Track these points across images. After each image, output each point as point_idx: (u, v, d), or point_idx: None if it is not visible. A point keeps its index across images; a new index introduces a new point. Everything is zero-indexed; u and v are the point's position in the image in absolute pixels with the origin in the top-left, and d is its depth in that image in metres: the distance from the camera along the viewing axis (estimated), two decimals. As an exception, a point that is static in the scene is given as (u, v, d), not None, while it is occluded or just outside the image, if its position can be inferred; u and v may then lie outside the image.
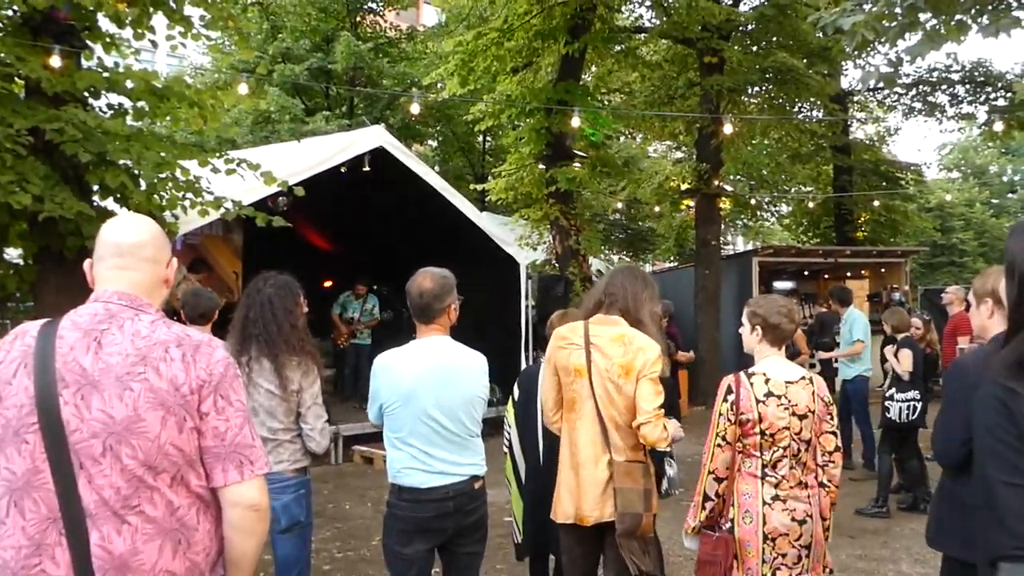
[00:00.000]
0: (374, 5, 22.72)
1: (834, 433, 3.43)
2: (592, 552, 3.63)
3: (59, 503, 1.85)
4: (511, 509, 4.80)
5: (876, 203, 18.80)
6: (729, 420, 3.28)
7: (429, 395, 3.29)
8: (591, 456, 3.52)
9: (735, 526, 3.29)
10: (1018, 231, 2.05)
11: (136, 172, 6.58)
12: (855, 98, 20.47)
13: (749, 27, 14.36)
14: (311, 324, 3.95)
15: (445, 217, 10.81)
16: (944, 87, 18.42)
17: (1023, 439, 2.18)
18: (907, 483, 7.43)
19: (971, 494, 2.81)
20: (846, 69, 18.30)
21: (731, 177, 19.75)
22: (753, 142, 19.18)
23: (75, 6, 6.31)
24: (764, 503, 3.26)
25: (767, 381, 3.30)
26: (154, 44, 7.06)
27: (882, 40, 7.02)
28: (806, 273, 16.97)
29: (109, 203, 6.78)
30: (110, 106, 7.11)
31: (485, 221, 11.60)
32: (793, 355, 7.02)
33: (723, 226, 18.56)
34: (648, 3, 15.62)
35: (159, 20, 6.96)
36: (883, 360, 7.65)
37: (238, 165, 7.10)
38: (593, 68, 15.77)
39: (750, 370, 3.39)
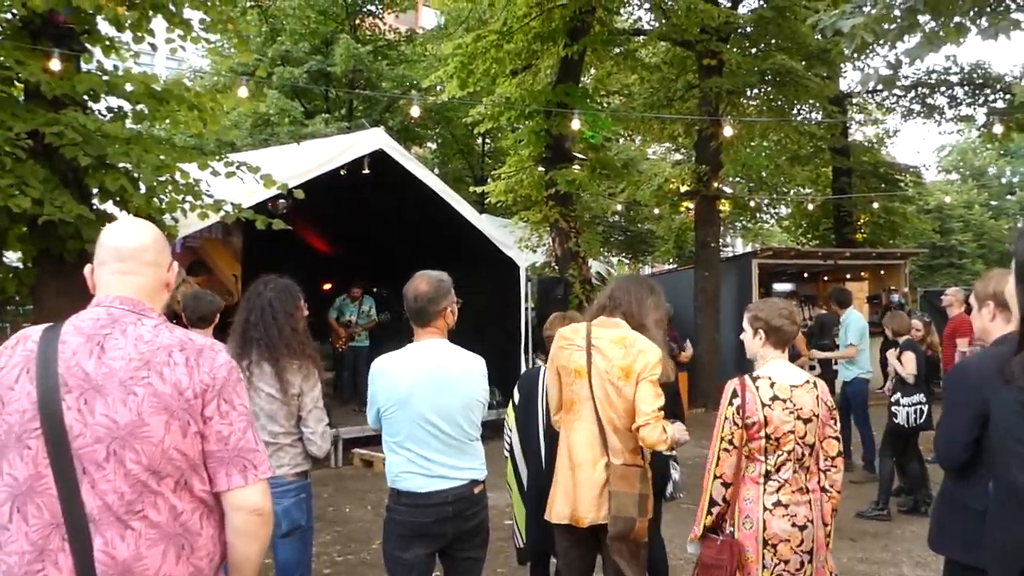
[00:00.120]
0: (373, 8, 22.73)
1: (837, 438, 3.43)
2: (588, 554, 3.62)
3: (62, 508, 1.84)
4: (512, 513, 4.79)
5: (875, 205, 18.81)
6: (735, 424, 3.25)
7: (426, 399, 3.28)
8: (588, 457, 3.52)
9: (735, 531, 3.28)
10: None
11: (136, 175, 6.59)
12: (854, 100, 20.49)
13: (748, 29, 14.37)
14: (311, 327, 3.94)
15: (445, 219, 10.81)
16: (943, 89, 18.43)
17: None
18: (908, 486, 7.42)
19: (973, 497, 2.81)
20: (845, 71, 18.35)
21: (730, 179, 19.78)
22: (752, 144, 19.18)
23: (74, 9, 6.31)
24: (765, 509, 3.24)
25: (772, 385, 3.29)
26: (153, 47, 7.08)
27: (881, 42, 7.03)
28: (805, 275, 16.97)
29: (109, 206, 6.79)
30: (110, 109, 7.12)
31: (484, 223, 11.60)
32: (793, 357, 7.01)
33: (722, 228, 18.57)
34: (647, 5, 15.63)
35: (158, 23, 6.98)
36: (883, 363, 7.65)
37: (238, 168, 7.11)
38: (592, 70, 15.78)
39: (755, 373, 3.37)
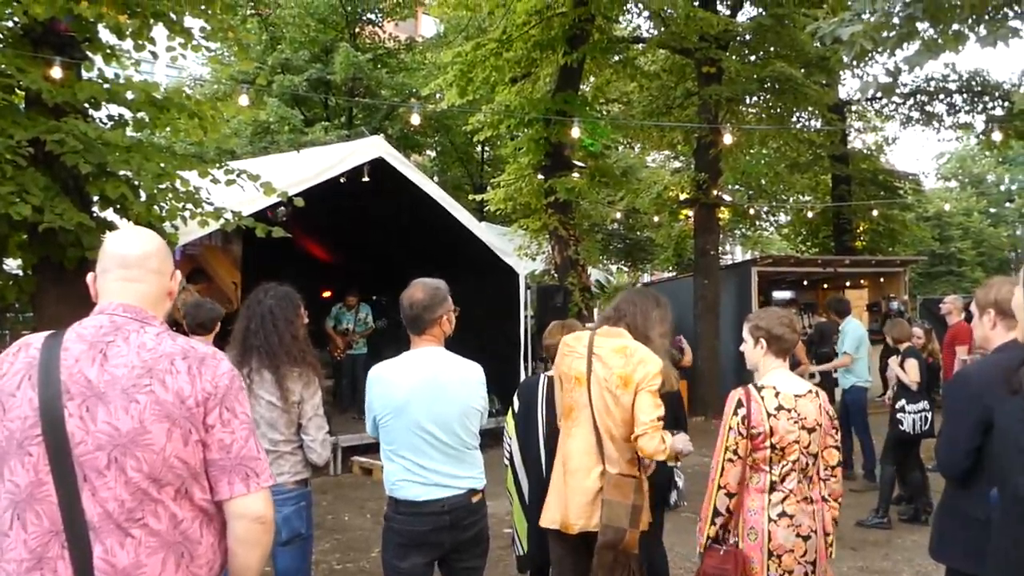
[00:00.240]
0: (373, 16, 22.80)
1: (837, 447, 3.42)
2: (580, 562, 3.59)
3: (62, 516, 1.84)
4: (511, 521, 4.78)
5: (875, 212, 18.83)
6: (740, 434, 3.23)
7: (421, 407, 3.27)
8: (583, 465, 3.52)
9: (740, 542, 3.26)
10: None
11: (136, 183, 6.59)
12: (853, 108, 20.54)
13: (747, 37, 14.42)
14: (310, 335, 3.94)
15: (444, 227, 10.82)
16: (942, 97, 18.47)
17: None
18: (908, 494, 7.40)
19: (974, 506, 2.81)
20: (844, 79, 18.41)
21: (729, 187, 19.77)
22: (751, 152, 19.22)
23: (76, 18, 6.33)
24: (770, 520, 3.22)
25: (777, 394, 3.27)
26: (154, 55, 7.08)
27: (880, 50, 7.03)
28: (805, 283, 16.98)
29: (109, 214, 6.79)
30: (110, 117, 7.13)
31: (484, 231, 11.60)
32: (793, 366, 7.00)
33: (722, 236, 18.57)
34: (646, 13, 15.66)
35: (159, 31, 6.98)
36: (882, 370, 7.64)
37: (238, 176, 7.12)
38: (591, 78, 15.82)
39: (759, 383, 3.35)
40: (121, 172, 6.43)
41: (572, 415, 3.61)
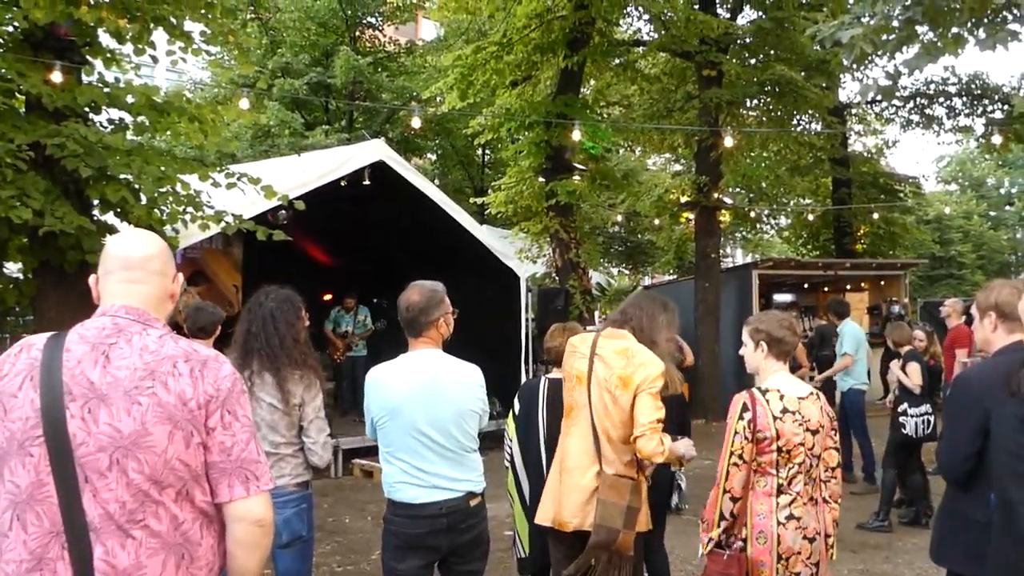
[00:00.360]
0: (373, 20, 22.81)
1: (837, 449, 3.42)
2: (574, 559, 3.60)
3: (63, 517, 1.84)
4: (512, 523, 4.78)
5: (875, 215, 18.82)
6: (746, 438, 3.22)
7: (418, 410, 3.26)
8: (580, 464, 3.54)
9: (748, 546, 3.24)
10: None
11: (136, 186, 6.59)
12: (853, 111, 20.53)
13: (747, 40, 14.42)
14: (311, 337, 3.95)
15: (445, 230, 10.82)
16: (942, 100, 18.48)
17: None
18: (909, 497, 7.39)
19: (975, 509, 2.82)
20: (844, 82, 18.38)
21: (730, 190, 19.77)
22: (752, 155, 19.21)
23: (76, 22, 6.34)
24: (778, 523, 3.21)
25: (782, 397, 3.27)
26: (154, 59, 7.09)
27: (880, 53, 7.04)
28: (806, 286, 16.98)
29: (109, 217, 6.80)
30: (111, 121, 7.13)
31: (485, 234, 11.62)
32: (794, 368, 7.00)
33: (722, 239, 18.57)
34: (647, 17, 15.67)
35: (159, 35, 6.99)
36: (883, 373, 7.64)
37: (238, 179, 7.12)
38: (592, 81, 15.82)
39: (763, 386, 3.34)
40: (121, 176, 6.44)
41: (572, 414, 3.64)
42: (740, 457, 3.23)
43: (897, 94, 17.72)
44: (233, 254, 11.31)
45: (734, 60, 14.11)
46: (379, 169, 9.96)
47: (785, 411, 3.24)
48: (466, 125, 15.91)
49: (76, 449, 1.85)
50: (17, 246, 6.47)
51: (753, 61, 14.85)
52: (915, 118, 19.18)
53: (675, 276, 25.35)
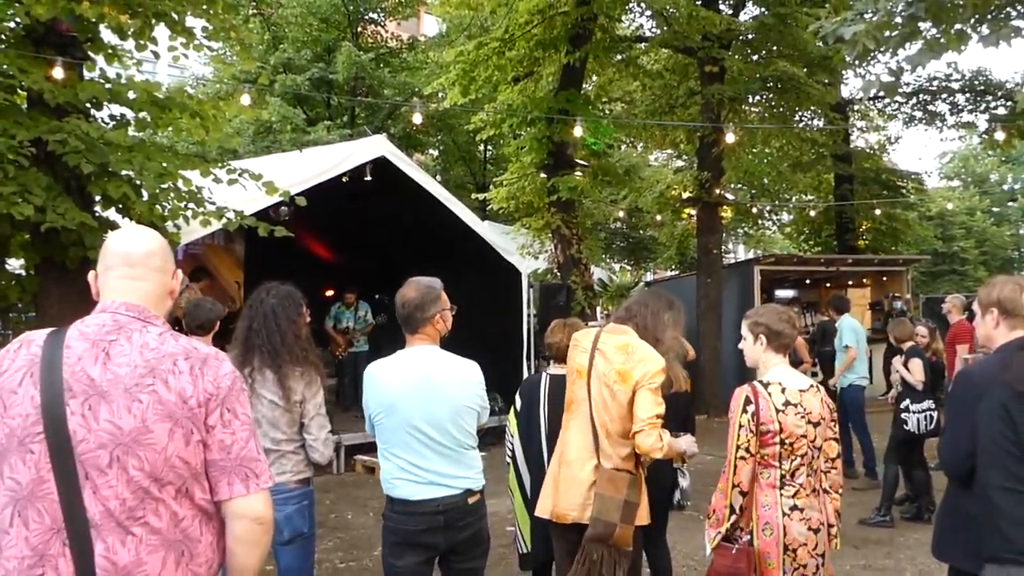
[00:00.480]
0: (375, 15, 22.77)
1: (836, 440, 3.44)
2: (577, 552, 3.60)
3: (63, 513, 1.84)
4: (514, 519, 4.79)
5: (877, 212, 18.81)
6: (751, 431, 3.23)
7: (414, 406, 3.26)
8: (578, 457, 3.56)
9: (754, 539, 3.25)
10: None
11: (138, 183, 6.59)
12: (856, 107, 20.52)
13: (750, 36, 14.40)
14: (312, 334, 3.94)
15: (447, 226, 10.82)
16: (944, 96, 18.45)
17: (1021, 445, 2.19)
18: (914, 493, 7.39)
19: (977, 505, 2.82)
20: (847, 78, 18.40)
21: (732, 186, 19.77)
22: (754, 151, 19.20)
23: (77, 18, 6.34)
24: (783, 514, 3.23)
25: (784, 390, 3.28)
26: (156, 55, 7.08)
27: (882, 49, 7.03)
28: (808, 282, 16.97)
29: (111, 214, 6.80)
30: (112, 117, 7.13)
31: (487, 230, 11.60)
32: (795, 364, 7.01)
33: (724, 235, 18.59)
34: (649, 13, 15.67)
35: (161, 31, 6.99)
36: (885, 369, 7.63)
37: (240, 175, 7.12)
38: (594, 77, 15.80)
39: (764, 379, 3.35)
40: (123, 172, 6.43)
41: (572, 408, 3.66)
42: (747, 450, 3.25)
43: (900, 90, 17.70)
44: (235, 250, 11.32)
45: (736, 56, 14.10)
46: (381, 165, 9.95)
47: (787, 404, 3.25)
48: (468, 121, 15.90)
49: (76, 446, 1.86)
50: (19, 242, 6.48)
51: (755, 57, 14.84)
52: (918, 114, 19.16)
53: (677, 272, 25.35)
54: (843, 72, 16.70)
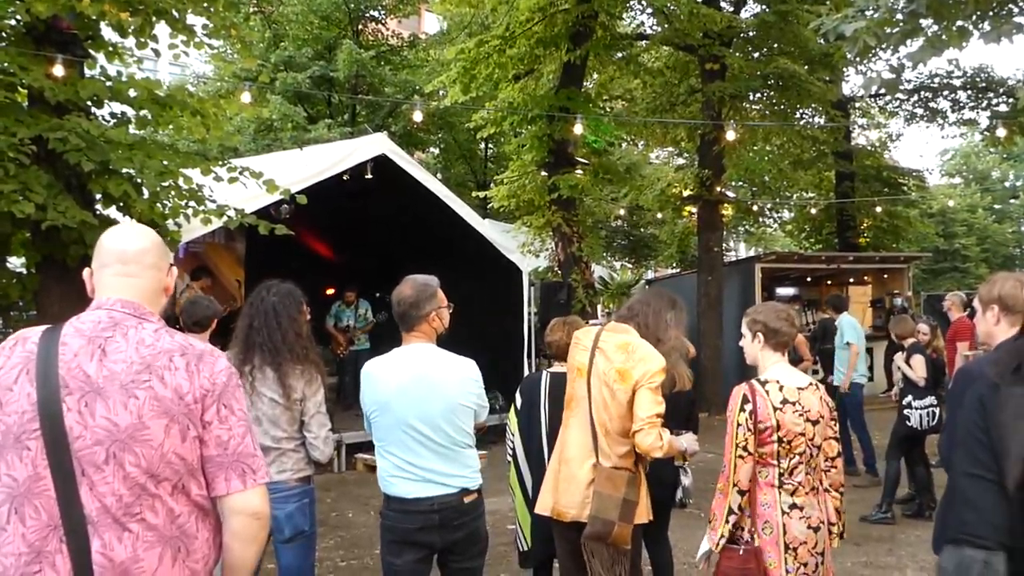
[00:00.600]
0: (376, 13, 22.74)
1: (836, 438, 3.44)
2: (578, 550, 3.59)
3: (60, 510, 1.84)
4: (515, 517, 4.79)
5: (878, 209, 18.80)
6: (749, 429, 3.23)
7: (408, 404, 3.25)
8: (577, 455, 3.57)
9: (754, 537, 3.25)
10: None
11: (139, 181, 6.60)
12: (857, 104, 20.48)
13: (751, 34, 14.39)
14: (313, 332, 3.94)
15: (447, 224, 10.82)
16: (946, 93, 18.40)
17: (988, 432, 2.22)
18: (915, 490, 7.39)
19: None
20: (848, 75, 18.34)
21: (733, 183, 19.78)
22: (755, 148, 19.18)
23: (78, 15, 6.33)
24: (783, 512, 3.23)
25: (781, 388, 3.28)
26: (157, 53, 7.08)
27: (884, 46, 7.03)
28: (808, 279, 16.95)
29: (112, 212, 6.79)
30: (113, 115, 7.13)
31: (487, 228, 11.60)
32: (795, 361, 7.00)
33: (725, 232, 18.55)
34: (650, 10, 15.65)
35: (162, 29, 6.98)
36: (887, 367, 7.64)
37: (240, 173, 7.12)
38: (595, 75, 15.79)
39: (762, 378, 3.35)
40: (124, 170, 6.43)
41: (571, 405, 3.66)
42: (745, 449, 3.24)
43: (901, 87, 17.66)
44: (236, 248, 11.32)
45: (737, 54, 14.08)
46: (381, 163, 9.94)
47: (785, 402, 3.25)
48: (469, 119, 15.88)
49: (73, 443, 1.86)
50: (20, 240, 6.48)
51: (756, 55, 14.82)
52: (919, 111, 19.12)
53: (678, 270, 25.33)
54: (844, 69, 16.66)
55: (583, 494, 3.48)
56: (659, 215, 19.59)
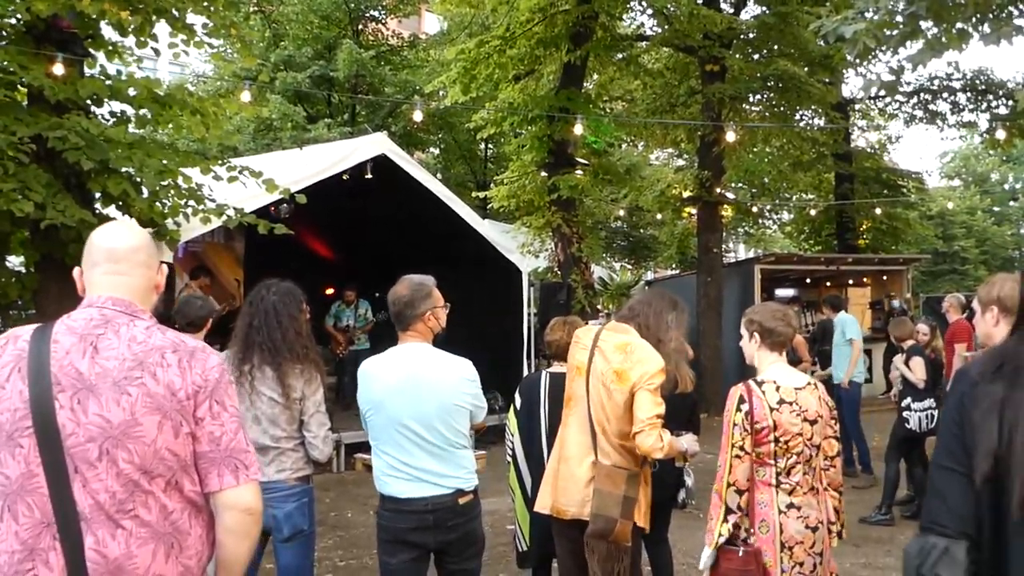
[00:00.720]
0: (376, 13, 22.75)
1: (836, 438, 3.44)
2: (578, 548, 3.60)
3: (53, 507, 1.85)
4: (514, 517, 4.78)
5: (878, 211, 18.79)
6: (745, 430, 3.23)
7: (402, 403, 3.25)
8: (576, 453, 3.56)
9: (752, 536, 3.26)
10: None
11: (138, 180, 6.59)
12: (856, 106, 20.49)
13: (750, 35, 14.39)
14: (312, 331, 3.94)
15: (447, 224, 10.82)
16: (945, 95, 18.40)
17: (963, 426, 2.24)
18: (914, 491, 7.39)
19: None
20: (847, 77, 18.37)
21: (733, 185, 19.76)
22: (755, 150, 19.19)
23: (78, 14, 6.33)
24: (780, 511, 3.23)
25: (778, 388, 3.28)
26: (157, 52, 7.08)
27: (883, 48, 7.03)
28: (808, 281, 16.96)
29: (111, 211, 6.79)
30: (112, 114, 7.13)
31: (487, 229, 11.60)
32: (794, 362, 7.00)
33: (725, 234, 18.55)
34: (650, 11, 15.64)
35: (162, 28, 6.98)
36: (886, 368, 7.64)
37: (240, 173, 7.12)
38: (595, 76, 15.79)
39: (759, 378, 3.36)
40: (123, 169, 6.43)
41: (571, 404, 3.66)
42: (742, 449, 3.25)
43: (900, 89, 17.65)
44: (235, 248, 11.32)
45: (737, 55, 14.08)
46: (381, 163, 9.94)
47: (782, 402, 3.25)
48: (469, 119, 15.88)
49: (66, 440, 1.86)
50: (19, 239, 6.48)
51: (756, 56, 14.82)
52: (919, 113, 19.11)
53: (677, 271, 25.34)
54: (844, 71, 16.66)
55: (583, 492, 3.48)
56: (659, 216, 19.59)
